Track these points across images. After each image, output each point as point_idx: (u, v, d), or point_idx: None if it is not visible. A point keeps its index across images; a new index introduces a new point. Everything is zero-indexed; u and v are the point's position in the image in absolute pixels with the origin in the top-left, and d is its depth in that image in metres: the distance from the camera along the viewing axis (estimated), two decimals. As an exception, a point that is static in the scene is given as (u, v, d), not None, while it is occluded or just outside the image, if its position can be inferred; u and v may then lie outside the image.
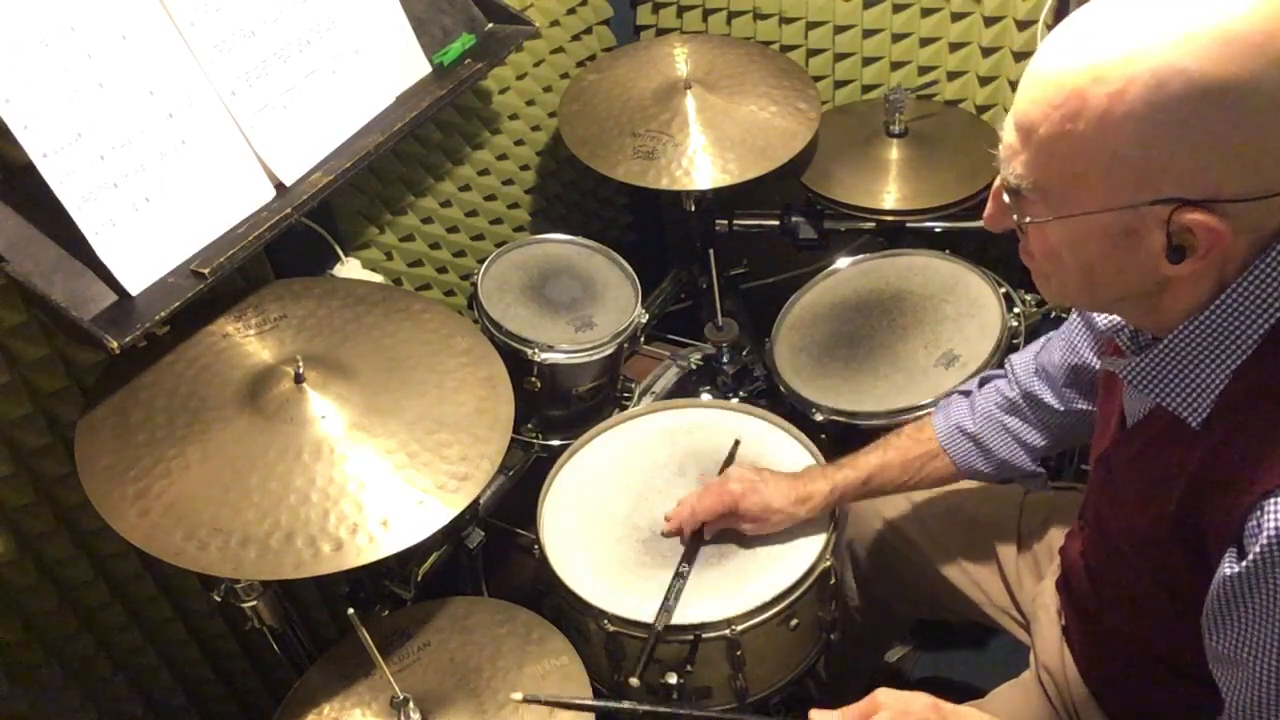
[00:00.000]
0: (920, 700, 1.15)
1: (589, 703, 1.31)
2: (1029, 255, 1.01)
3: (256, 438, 1.27)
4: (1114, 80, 0.84)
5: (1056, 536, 1.44)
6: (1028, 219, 0.96)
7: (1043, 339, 1.38)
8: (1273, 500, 0.87)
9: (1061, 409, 1.35)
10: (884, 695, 1.15)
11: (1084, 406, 1.33)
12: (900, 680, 2.02)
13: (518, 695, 1.28)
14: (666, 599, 1.39)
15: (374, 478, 1.25)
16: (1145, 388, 0.99)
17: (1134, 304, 0.99)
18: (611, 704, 1.35)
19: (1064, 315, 1.87)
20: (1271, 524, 0.87)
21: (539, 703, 1.28)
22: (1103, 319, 1.13)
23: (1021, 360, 1.40)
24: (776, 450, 1.61)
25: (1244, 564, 0.90)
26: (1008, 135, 0.94)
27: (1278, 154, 0.83)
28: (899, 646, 2.04)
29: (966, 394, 1.45)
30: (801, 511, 1.44)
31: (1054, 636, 1.36)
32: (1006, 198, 0.97)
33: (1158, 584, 1.06)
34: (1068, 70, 0.87)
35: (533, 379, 1.76)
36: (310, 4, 1.46)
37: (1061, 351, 1.32)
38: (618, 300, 1.88)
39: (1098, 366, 1.25)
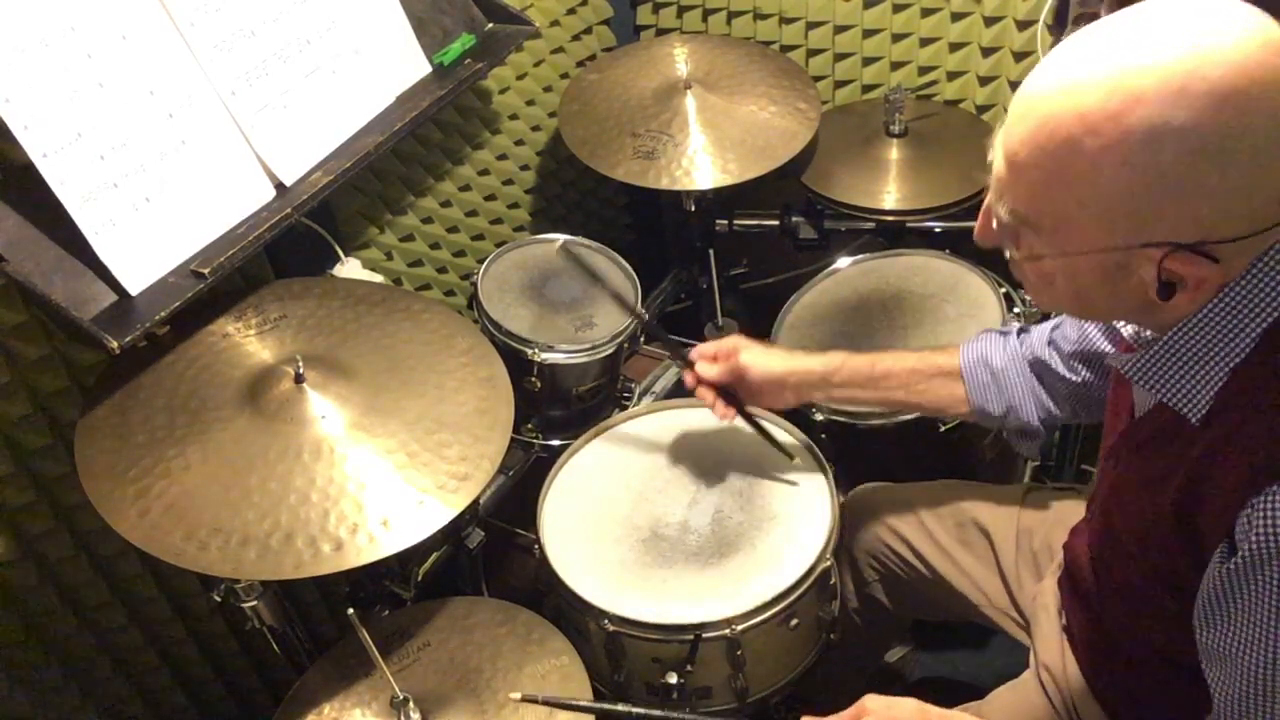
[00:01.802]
0: (907, 705, 1.15)
1: (585, 704, 1.31)
2: (1021, 271, 1.02)
3: (256, 438, 1.27)
4: (1107, 133, 0.84)
5: (1056, 537, 1.44)
6: (1022, 251, 0.97)
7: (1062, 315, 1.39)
8: (1264, 498, 0.87)
9: (1073, 379, 1.35)
10: (871, 701, 1.15)
11: (1093, 379, 1.33)
12: (900, 680, 2.02)
13: (516, 695, 1.29)
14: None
15: (374, 478, 1.25)
16: (1147, 384, 0.99)
17: (1130, 319, 1.01)
18: (607, 705, 1.35)
19: (1064, 315, 1.87)
20: (1261, 522, 0.87)
21: (535, 702, 1.29)
22: None
23: (1039, 330, 1.42)
24: (776, 451, 1.60)
25: (1234, 560, 0.91)
26: (998, 163, 0.95)
27: (1266, 193, 0.85)
28: (899, 647, 2.04)
29: (1002, 334, 1.45)
30: (800, 366, 1.47)
31: (1054, 636, 1.36)
32: (997, 225, 0.98)
33: (1157, 578, 1.07)
34: (1059, 115, 0.86)
35: (533, 379, 1.76)
36: (310, 4, 1.46)
37: (1075, 329, 1.33)
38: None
39: (1106, 349, 1.25)
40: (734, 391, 1.52)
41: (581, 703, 1.31)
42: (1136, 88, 0.83)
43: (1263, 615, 0.90)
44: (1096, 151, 0.85)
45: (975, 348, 1.44)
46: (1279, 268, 0.89)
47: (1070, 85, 0.86)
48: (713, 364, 1.50)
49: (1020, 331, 1.44)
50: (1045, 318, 1.84)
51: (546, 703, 1.29)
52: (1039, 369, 1.39)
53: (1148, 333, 1.05)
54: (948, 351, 1.46)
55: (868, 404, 1.57)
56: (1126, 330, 1.09)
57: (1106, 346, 1.27)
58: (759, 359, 1.48)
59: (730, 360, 1.48)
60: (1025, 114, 0.90)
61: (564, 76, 2.30)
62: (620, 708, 1.31)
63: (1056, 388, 1.39)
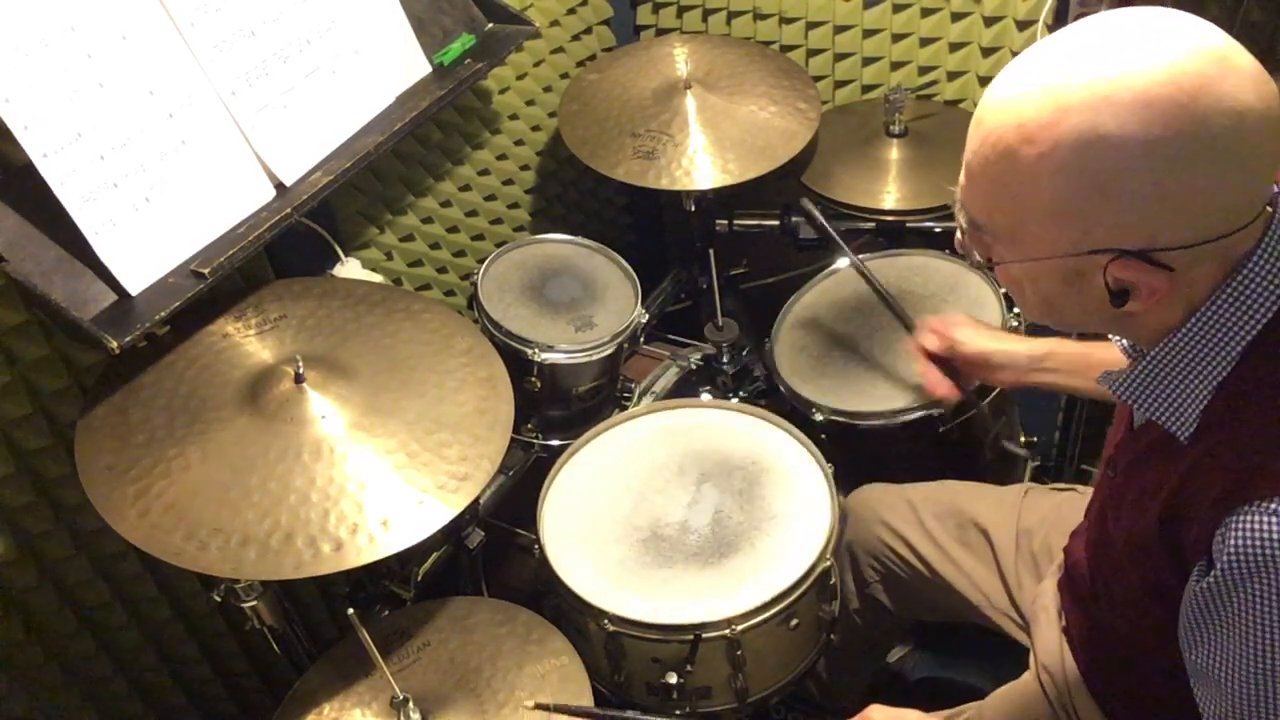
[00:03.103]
0: (911, 717, 1.15)
1: (598, 711, 1.32)
2: (998, 279, 1.04)
3: (256, 438, 1.27)
4: (1042, 142, 0.86)
5: (1056, 538, 1.44)
6: (989, 257, 0.99)
7: None
8: (1239, 516, 0.87)
9: None
10: (876, 712, 1.15)
11: None
12: (900, 680, 2.02)
13: (529, 703, 1.30)
14: None
15: (374, 478, 1.25)
16: (1134, 401, 1.00)
17: (1103, 327, 1.01)
18: (614, 713, 1.35)
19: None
20: (1234, 540, 0.87)
21: (549, 709, 1.29)
22: None
23: None
24: (777, 451, 1.60)
25: (1210, 578, 0.91)
26: (961, 176, 0.97)
27: (1208, 204, 0.85)
28: (899, 647, 2.04)
29: None
30: (1006, 347, 1.50)
31: (1054, 638, 1.36)
32: (965, 234, 1.00)
33: (1147, 588, 1.07)
34: (1001, 126, 0.89)
35: (533, 379, 1.76)
36: (310, 4, 1.46)
37: None
38: (618, 300, 1.88)
39: None
40: (955, 366, 1.55)
41: (595, 710, 1.31)
42: (1066, 98, 0.84)
43: (1240, 634, 0.90)
44: (1034, 160, 0.86)
45: None
46: (1258, 282, 0.89)
47: (1013, 98, 0.89)
48: (934, 336, 1.55)
49: None
50: (1034, 328, 1.85)
51: (559, 710, 1.30)
52: None
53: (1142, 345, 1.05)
54: None
55: (1077, 392, 1.55)
56: (1123, 342, 1.09)
57: None
58: (969, 335, 1.52)
59: (948, 335, 1.53)
60: (976, 127, 0.93)
61: (564, 76, 2.30)
62: (629, 714, 1.32)
63: None
